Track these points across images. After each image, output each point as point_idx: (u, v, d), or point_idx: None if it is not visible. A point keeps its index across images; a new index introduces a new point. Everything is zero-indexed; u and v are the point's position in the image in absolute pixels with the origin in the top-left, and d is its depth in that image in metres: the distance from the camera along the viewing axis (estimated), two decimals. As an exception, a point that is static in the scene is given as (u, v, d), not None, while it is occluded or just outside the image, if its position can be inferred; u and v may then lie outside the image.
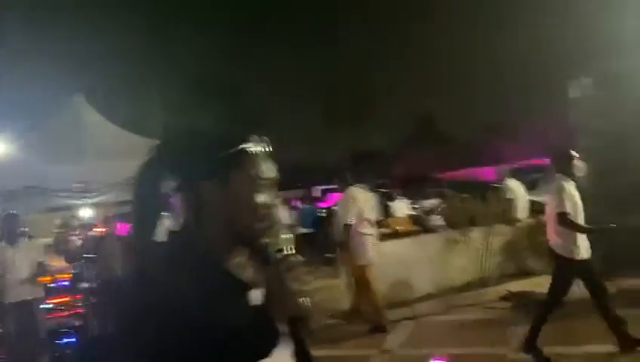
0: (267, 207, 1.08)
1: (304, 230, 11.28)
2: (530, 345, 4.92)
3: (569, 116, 7.31)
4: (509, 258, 8.23)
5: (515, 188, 9.04)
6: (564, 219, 4.77)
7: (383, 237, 7.56)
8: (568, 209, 4.77)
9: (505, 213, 8.45)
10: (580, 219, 4.90)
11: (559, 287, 4.94)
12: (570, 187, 4.90)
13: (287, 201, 14.55)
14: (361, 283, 6.36)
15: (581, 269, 4.84)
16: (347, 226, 6.29)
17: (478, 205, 8.34)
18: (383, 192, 11.00)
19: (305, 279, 1.07)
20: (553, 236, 4.94)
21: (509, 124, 26.51)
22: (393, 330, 6.26)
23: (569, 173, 4.95)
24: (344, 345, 5.87)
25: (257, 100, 1.12)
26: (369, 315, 6.35)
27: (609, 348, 4.80)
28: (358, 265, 6.31)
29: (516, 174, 10.74)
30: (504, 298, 6.97)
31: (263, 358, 1.01)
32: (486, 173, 13.52)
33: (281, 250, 1.08)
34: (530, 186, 13.17)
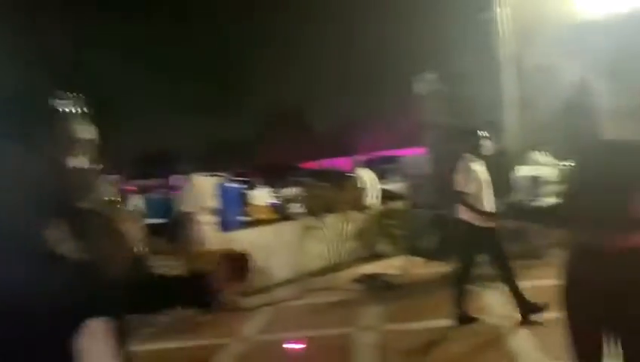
0: (82, 171, 1.01)
1: (153, 220, 10.68)
2: (458, 312, 5.14)
3: (416, 110, 7.84)
4: (362, 243, 8.67)
5: (367, 177, 9.53)
6: (459, 197, 5.08)
7: (244, 225, 7.54)
8: (473, 188, 5.04)
9: (357, 201, 8.89)
10: (488, 196, 5.14)
11: (466, 254, 5.24)
12: (477, 166, 5.13)
13: (146, 190, 13.88)
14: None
15: (484, 235, 5.09)
16: (186, 214, 6.18)
17: (335, 193, 8.67)
18: (244, 181, 10.96)
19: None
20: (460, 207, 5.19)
21: (364, 117, 27.83)
22: (252, 317, 6.29)
23: (477, 153, 5.20)
24: (198, 334, 5.77)
25: (74, 64, 1.03)
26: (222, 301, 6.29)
27: (447, 322, 5.26)
28: (198, 253, 6.20)
29: (369, 164, 11.33)
30: (357, 280, 7.33)
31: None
32: (343, 163, 14.07)
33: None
34: (381, 175, 14.01)
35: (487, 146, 5.25)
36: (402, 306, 6.08)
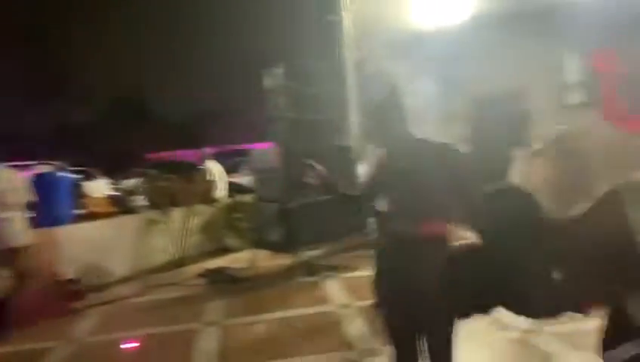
0: None
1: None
2: None
3: (266, 104, 7.89)
4: (209, 236, 8.53)
5: (216, 170, 9.39)
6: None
7: (77, 219, 6.99)
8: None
9: (205, 194, 8.72)
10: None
11: None
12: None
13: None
14: (19, 268, 5.62)
15: None
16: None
17: (181, 186, 8.41)
18: (80, 171, 10.17)
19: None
20: None
21: (214, 110, 27.41)
22: (86, 317, 5.86)
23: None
24: (25, 338, 5.23)
25: None
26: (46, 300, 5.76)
27: (292, 313, 5.39)
28: (9, 249, 5.55)
29: (218, 157, 11.18)
30: (202, 275, 7.19)
31: None
32: (190, 155, 13.70)
33: None
34: (233, 169, 13.92)
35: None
36: (248, 299, 6.10)
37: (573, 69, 10.61)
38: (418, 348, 2.63)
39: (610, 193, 2.03)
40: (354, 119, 8.56)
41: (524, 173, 3.05)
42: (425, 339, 2.62)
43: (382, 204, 2.63)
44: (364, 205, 2.81)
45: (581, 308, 2.24)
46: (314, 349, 4.44)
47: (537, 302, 2.43)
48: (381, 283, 2.65)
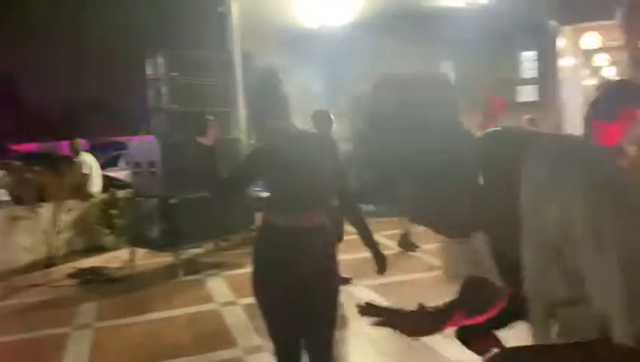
0: None
1: None
2: None
3: (147, 94, 7.52)
4: (82, 234, 7.98)
5: (91, 162, 8.81)
6: None
7: None
8: None
9: (79, 188, 8.14)
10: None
11: None
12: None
13: None
14: None
15: None
16: None
17: (50, 179, 7.76)
18: None
19: None
20: None
21: (92, 99, 25.80)
22: None
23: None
24: None
25: None
26: None
27: (175, 312, 5.21)
28: None
29: (94, 150, 10.52)
30: (72, 275, 6.70)
31: None
32: (63, 146, 12.75)
33: None
34: (110, 162, 13.16)
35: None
36: (125, 300, 5.78)
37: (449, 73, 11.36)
38: (300, 348, 2.62)
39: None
40: (242, 112, 8.46)
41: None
42: (306, 341, 2.60)
43: (265, 197, 2.59)
44: (230, 192, 2.71)
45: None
46: (197, 349, 4.31)
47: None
48: (262, 281, 2.57)
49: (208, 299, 5.64)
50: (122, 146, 12.88)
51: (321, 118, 5.45)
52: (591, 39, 13.07)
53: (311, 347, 2.59)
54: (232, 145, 6.93)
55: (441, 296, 1.28)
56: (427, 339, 4.19)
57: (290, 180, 2.50)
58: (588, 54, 13.89)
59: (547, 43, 10.12)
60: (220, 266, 6.72)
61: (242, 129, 8.21)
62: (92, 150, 10.30)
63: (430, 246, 6.51)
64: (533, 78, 10.50)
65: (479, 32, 10.05)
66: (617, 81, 2.61)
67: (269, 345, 2.69)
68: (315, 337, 2.60)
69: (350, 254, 4.76)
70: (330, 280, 2.63)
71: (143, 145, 7.56)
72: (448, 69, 11.30)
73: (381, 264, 2.76)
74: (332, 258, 2.63)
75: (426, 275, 5.83)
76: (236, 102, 8.22)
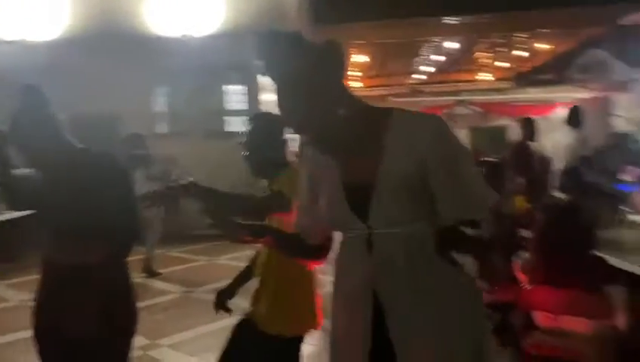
0: None
1: None
2: None
3: None
4: None
5: None
6: None
7: None
8: None
9: None
10: None
11: None
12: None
13: None
14: None
15: None
16: None
17: None
18: None
19: None
20: None
21: None
22: None
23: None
24: None
25: None
26: None
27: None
28: None
29: None
30: None
31: None
32: None
33: None
34: None
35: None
36: None
37: (161, 100, 11.50)
38: None
39: None
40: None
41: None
42: None
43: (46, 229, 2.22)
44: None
45: None
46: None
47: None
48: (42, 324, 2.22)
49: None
50: None
51: None
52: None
53: None
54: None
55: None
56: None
57: (68, 207, 2.15)
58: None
59: (251, 79, 11.34)
60: None
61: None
62: None
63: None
64: (241, 110, 11.48)
65: (193, 63, 10.64)
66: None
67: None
68: None
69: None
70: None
71: None
72: (162, 96, 11.57)
73: None
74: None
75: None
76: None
